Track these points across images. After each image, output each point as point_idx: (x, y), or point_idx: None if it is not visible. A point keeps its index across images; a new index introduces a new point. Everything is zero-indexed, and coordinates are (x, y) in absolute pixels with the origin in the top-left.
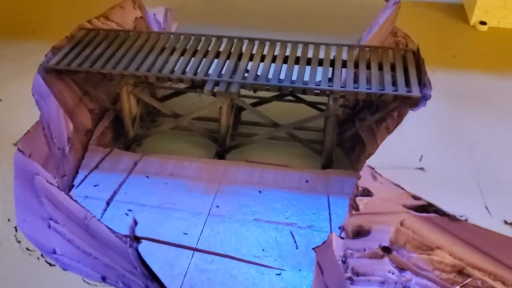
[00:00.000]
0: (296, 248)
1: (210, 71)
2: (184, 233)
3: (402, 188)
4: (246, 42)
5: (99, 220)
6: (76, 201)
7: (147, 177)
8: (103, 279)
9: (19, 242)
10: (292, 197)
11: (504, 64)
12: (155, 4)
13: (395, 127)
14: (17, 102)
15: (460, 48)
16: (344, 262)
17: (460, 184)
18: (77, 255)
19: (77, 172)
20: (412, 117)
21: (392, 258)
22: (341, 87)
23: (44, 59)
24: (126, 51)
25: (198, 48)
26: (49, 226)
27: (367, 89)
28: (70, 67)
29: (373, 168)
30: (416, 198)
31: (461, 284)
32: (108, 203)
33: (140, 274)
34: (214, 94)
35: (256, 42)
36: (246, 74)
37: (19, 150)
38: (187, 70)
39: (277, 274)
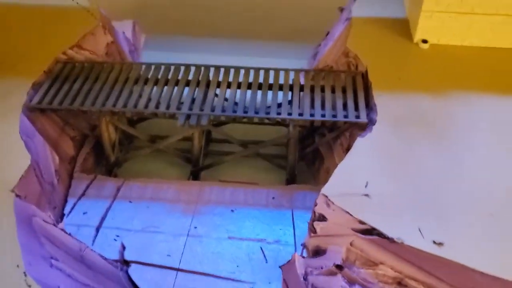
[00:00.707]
0: (266, 262)
1: (182, 100)
2: (168, 255)
3: (350, 214)
4: (212, 70)
5: (92, 249)
6: (70, 234)
7: (130, 201)
8: None
9: (29, 287)
10: (261, 214)
11: (444, 83)
12: (122, 15)
13: (348, 145)
14: (7, 145)
15: (404, 68)
16: (305, 279)
17: (400, 208)
18: None
19: (66, 201)
20: (359, 143)
21: (343, 274)
22: (299, 114)
23: (27, 98)
24: (102, 84)
25: (169, 77)
26: (51, 265)
27: (322, 115)
28: (52, 106)
29: (326, 196)
30: (362, 223)
31: None
32: (97, 230)
33: None
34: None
35: (222, 70)
36: (215, 103)
37: (17, 195)
38: (160, 101)
39: None
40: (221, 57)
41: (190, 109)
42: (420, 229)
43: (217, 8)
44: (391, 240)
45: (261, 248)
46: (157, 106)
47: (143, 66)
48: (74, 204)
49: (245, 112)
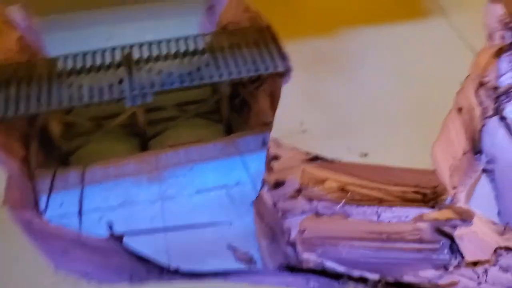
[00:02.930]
0: (235, 203)
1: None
2: (151, 220)
3: (297, 148)
4: (119, 50)
5: (88, 234)
6: (65, 228)
7: (99, 183)
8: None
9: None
10: (216, 165)
11: (335, 24)
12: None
13: (270, 90)
14: None
15: (300, 16)
16: (275, 206)
17: (330, 135)
18: (98, 270)
19: (37, 199)
20: (285, 90)
21: (303, 195)
22: (229, 73)
23: None
24: (38, 83)
25: (88, 66)
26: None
27: (247, 71)
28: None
29: (276, 139)
30: (307, 153)
31: (347, 197)
32: (80, 216)
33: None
34: None
35: (136, 47)
36: (149, 78)
37: (10, 207)
38: (94, 89)
39: (229, 225)
40: (119, 28)
41: (132, 89)
42: (349, 147)
43: None
44: (330, 161)
45: (226, 193)
46: (95, 95)
47: (61, 58)
48: (48, 199)
49: (182, 81)
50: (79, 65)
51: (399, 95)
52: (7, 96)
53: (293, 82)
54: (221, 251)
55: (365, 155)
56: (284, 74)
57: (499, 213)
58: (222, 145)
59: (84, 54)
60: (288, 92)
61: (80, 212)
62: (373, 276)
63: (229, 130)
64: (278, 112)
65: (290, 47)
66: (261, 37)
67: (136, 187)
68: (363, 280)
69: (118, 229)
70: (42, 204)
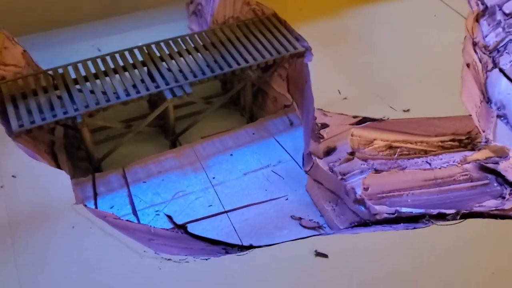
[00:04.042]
0: (283, 179)
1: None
2: (210, 206)
3: (344, 114)
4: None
5: (155, 227)
6: (133, 222)
7: (144, 182)
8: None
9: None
10: (254, 148)
11: (337, 3)
12: None
13: (286, 74)
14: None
15: (300, 2)
16: (332, 171)
17: (370, 98)
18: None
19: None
20: (310, 66)
21: (357, 156)
22: (254, 60)
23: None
24: (61, 93)
25: (112, 67)
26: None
27: (270, 55)
28: (37, 124)
29: (321, 109)
30: (355, 117)
31: (398, 153)
32: (136, 214)
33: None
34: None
35: (153, 46)
36: (174, 74)
37: (84, 205)
38: (117, 89)
39: (285, 200)
40: (107, 40)
41: (167, 83)
42: (391, 106)
43: None
44: (379, 120)
45: (272, 171)
46: (131, 92)
47: (70, 67)
48: (95, 205)
49: (213, 71)
50: (98, 69)
51: (417, 59)
52: (28, 107)
53: (316, 59)
54: (286, 223)
55: (408, 110)
56: (303, 54)
57: None
58: (253, 130)
59: (94, 59)
60: (315, 68)
61: (134, 212)
62: (450, 211)
63: (251, 117)
64: (313, 87)
65: (301, 30)
66: (271, 24)
67: (184, 179)
68: (441, 216)
69: (180, 219)
70: None
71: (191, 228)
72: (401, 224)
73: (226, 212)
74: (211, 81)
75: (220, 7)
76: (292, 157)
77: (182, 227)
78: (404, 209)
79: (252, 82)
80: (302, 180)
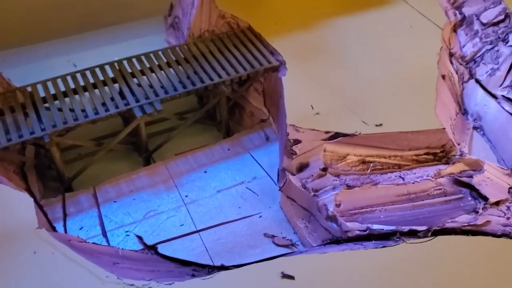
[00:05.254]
0: (257, 195)
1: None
2: (181, 225)
3: (316, 129)
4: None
5: (123, 248)
6: (101, 244)
7: (115, 201)
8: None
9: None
10: (228, 164)
11: (311, 16)
12: None
13: (262, 88)
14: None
15: (275, 15)
16: (305, 188)
17: (343, 112)
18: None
19: (53, 228)
20: (284, 80)
21: (330, 172)
22: (227, 75)
23: None
24: (29, 112)
25: (82, 85)
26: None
27: (244, 69)
28: (0, 146)
29: (293, 125)
30: (327, 132)
31: (371, 168)
32: (105, 235)
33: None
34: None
35: (125, 62)
36: (145, 90)
37: (46, 229)
38: (85, 107)
39: (259, 217)
40: (82, 55)
41: (137, 100)
42: (364, 121)
43: (57, 9)
44: (351, 135)
45: (247, 187)
46: (100, 110)
47: (37, 86)
48: (65, 226)
49: (184, 87)
50: (68, 87)
51: (391, 71)
52: (15, 120)
53: (290, 73)
54: (259, 241)
55: (380, 125)
56: (278, 68)
57: (498, 161)
58: (228, 146)
59: (64, 77)
60: (289, 82)
61: (104, 233)
62: (421, 228)
63: (227, 133)
64: (287, 101)
65: (276, 44)
66: (246, 38)
67: (155, 198)
68: (412, 233)
69: (151, 240)
70: (61, 231)
71: (161, 248)
72: (372, 241)
73: (198, 231)
74: (187, 96)
75: (196, 20)
76: (267, 173)
77: (153, 248)
78: (375, 226)
79: (228, 97)
80: (276, 196)
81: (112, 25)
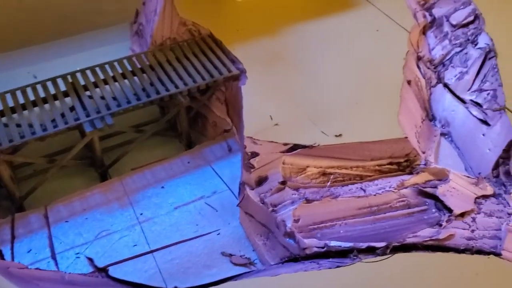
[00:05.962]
0: (217, 211)
1: (53, 116)
2: (134, 245)
3: (274, 142)
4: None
5: (70, 272)
6: (45, 270)
7: (66, 221)
8: None
9: None
10: (187, 178)
11: (273, 23)
12: None
13: (225, 97)
14: None
15: (237, 22)
16: (263, 203)
17: (302, 123)
18: None
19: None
20: (244, 90)
21: (289, 186)
22: (185, 85)
23: None
24: None
25: (31, 100)
26: None
27: (203, 79)
28: None
29: (251, 137)
30: (285, 144)
31: (331, 180)
32: (54, 258)
33: None
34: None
35: (79, 74)
36: (97, 103)
37: None
38: (33, 123)
39: (217, 234)
40: (43, 65)
41: (88, 115)
42: (323, 131)
43: (20, 19)
44: (310, 146)
45: (206, 203)
46: (48, 127)
47: None
48: (12, 249)
49: (138, 99)
50: (17, 101)
51: (354, 77)
52: None
53: (251, 82)
54: (216, 260)
55: (340, 135)
56: (238, 77)
57: (466, 169)
58: (188, 158)
59: (14, 91)
60: (249, 91)
61: (53, 255)
62: (379, 244)
63: (189, 144)
64: (246, 112)
65: (237, 51)
66: (206, 46)
67: (109, 217)
68: (371, 249)
69: (102, 262)
70: (7, 256)
71: (113, 271)
72: (329, 259)
73: (151, 251)
74: (145, 107)
75: (158, 27)
76: (228, 186)
77: (103, 271)
78: (333, 243)
79: (190, 106)
80: (236, 211)
81: (79, 33)
